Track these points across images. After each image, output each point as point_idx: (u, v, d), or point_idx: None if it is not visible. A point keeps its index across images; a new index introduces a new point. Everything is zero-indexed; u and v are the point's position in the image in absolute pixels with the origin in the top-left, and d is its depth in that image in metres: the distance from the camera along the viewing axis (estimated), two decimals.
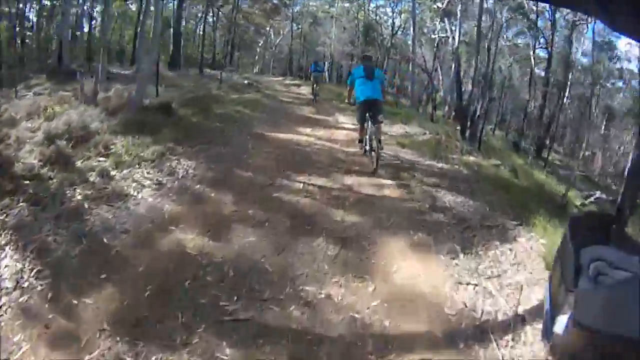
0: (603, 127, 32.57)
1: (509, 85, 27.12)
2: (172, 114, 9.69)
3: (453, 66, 25.04)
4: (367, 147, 7.03)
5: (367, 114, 6.73)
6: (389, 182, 6.74)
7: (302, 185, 6.22)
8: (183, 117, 9.69)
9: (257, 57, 40.31)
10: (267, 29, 37.86)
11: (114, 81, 13.63)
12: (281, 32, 39.11)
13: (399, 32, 33.88)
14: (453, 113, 24.13)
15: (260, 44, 39.09)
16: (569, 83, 26.35)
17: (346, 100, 7.96)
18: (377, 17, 33.88)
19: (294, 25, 35.09)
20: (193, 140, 7.80)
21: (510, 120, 30.39)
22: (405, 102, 25.78)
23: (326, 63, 32.75)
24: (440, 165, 8.40)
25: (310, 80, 18.56)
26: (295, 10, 34.59)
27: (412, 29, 25.80)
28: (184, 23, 25.95)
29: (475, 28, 30.36)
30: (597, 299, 0.78)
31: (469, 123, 14.60)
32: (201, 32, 29.35)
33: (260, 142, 8.59)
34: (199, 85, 16.47)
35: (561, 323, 0.82)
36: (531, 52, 25.08)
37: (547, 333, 0.90)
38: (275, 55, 42.96)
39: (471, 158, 9.77)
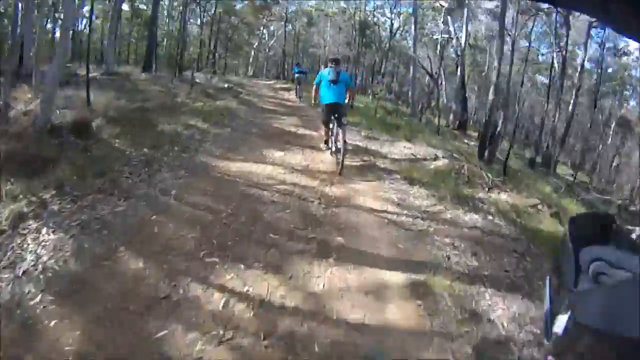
0: (614, 137, 29.70)
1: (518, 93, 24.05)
2: (89, 137, 6.61)
3: (458, 70, 22.03)
4: (333, 148, 6.80)
5: (332, 117, 6.63)
6: (395, 289, 3.52)
7: (222, 301, 3.07)
8: (102, 141, 6.57)
9: (250, 59, 37.34)
10: (261, 29, 34.97)
11: (76, 86, 10.62)
12: (275, 34, 36.23)
13: (398, 34, 31.03)
14: (457, 122, 21.24)
15: (254, 46, 36.11)
16: (578, 90, 23.46)
17: (312, 102, 7.49)
18: (375, 18, 30.85)
19: (288, 25, 32.16)
20: (87, 185, 4.70)
21: (517, 129, 27.27)
22: (405, 109, 22.73)
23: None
24: (467, 217, 5.41)
25: (294, 82, 17.38)
26: (290, 11, 31.72)
27: (413, 27, 22.70)
28: (168, 22, 22.80)
29: (483, 28, 27.48)
30: (597, 299, 0.73)
31: (488, 140, 11.36)
32: (188, 31, 26.35)
33: (197, 183, 5.47)
34: (166, 90, 13.38)
35: (561, 323, 0.77)
36: (552, 56, 22.01)
37: (547, 333, 0.83)
38: (269, 58, 40.02)
39: (502, 196, 6.73)
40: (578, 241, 0.89)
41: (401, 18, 29.26)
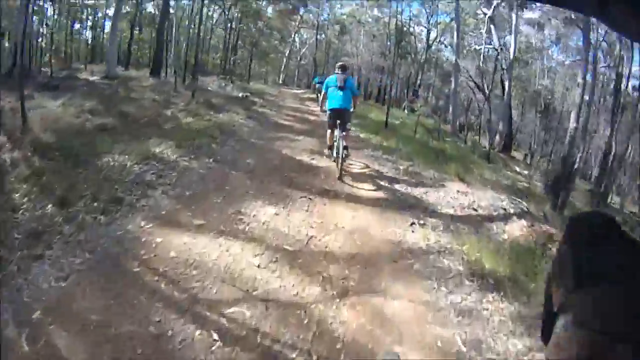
0: None
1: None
2: None
3: (505, 86, 18.68)
4: (335, 154, 6.36)
5: (337, 122, 6.21)
6: None
7: None
8: None
9: (282, 67, 34.79)
10: (292, 36, 32.37)
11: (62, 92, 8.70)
12: (307, 42, 33.58)
13: (435, 45, 27.85)
14: (502, 143, 17.94)
15: (286, 53, 33.50)
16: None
17: (320, 109, 6.93)
18: (411, 28, 27.72)
19: (320, 34, 29.39)
20: None
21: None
22: (444, 126, 19.54)
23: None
24: None
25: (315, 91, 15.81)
26: (323, 18, 28.93)
27: (455, 35, 19.49)
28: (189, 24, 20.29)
29: (524, 40, 23.88)
30: (597, 299, 0.67)
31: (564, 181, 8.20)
32: (211, 34, 24.01)
33: (77, 302, 2.63)
34: (162, 100, 10.78)
35: (561, 323, 0.71)
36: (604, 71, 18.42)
37: (547, 333, 0.76)
38: (301, 66, 37.35)
39: None
40: (578, 241, 0.75)
41: (439, 28, 26.10)
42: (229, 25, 19.00)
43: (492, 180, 8.51)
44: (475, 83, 16.30)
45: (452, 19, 20.42)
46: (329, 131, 6.68)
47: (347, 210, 4.90)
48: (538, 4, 20.19)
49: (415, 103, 18.87)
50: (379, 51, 26.27)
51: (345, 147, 6.03)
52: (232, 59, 16.61)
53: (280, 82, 30.78)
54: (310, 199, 5.11)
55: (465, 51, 25.93)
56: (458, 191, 6.43)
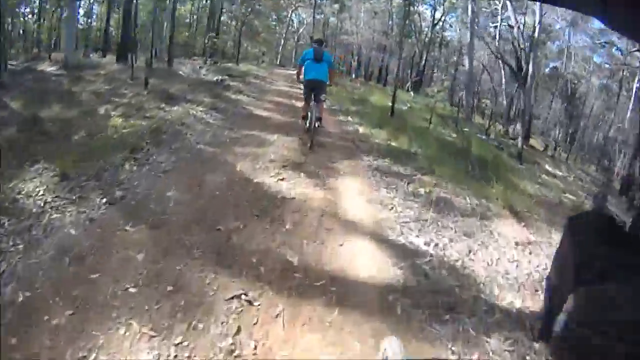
0: None
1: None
2: None
3: (530, 68, 15.70)
4: (308, 124, 6.07)
5: (312, 92, 6.03)
6: None
7: None
8: None
9: (280, 47, 31.59)
10: (288, 16, 29.19)
11: None
12: (304, 21, 30.28)
13: (443, 22, 24.76)
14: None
15: (283, 34, 30.30)
16: None
17: (297, 79, 6.61)
18: (416, 6, 24.49)
19: (318, 12, 26.14)
20: None
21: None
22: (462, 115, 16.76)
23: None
24: None
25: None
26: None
27: (470, 10, 16.37)
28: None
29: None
30: (597, 299, 0.64)
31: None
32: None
33: None
34: (112, 90, 8.05)
35: (561, 323, 0.65)
36: None
37: (547, 333, 0.70)
38: (299, 46, 33.99)
39: None
40: (578, 240, 0.72)
41: (445, 6, 22.87)
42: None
43: (540, 197, 5.80)
44: (507, 64, 13.26)
45: None
46: (304, 102, 6.45)
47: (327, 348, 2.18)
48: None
49: (434, 87, 15.89)
50: (380, 29, 23.11)
51: (318, 119, 5.98)
52: (208, 38, 13.45)
53: (278, 63, 27.77)
54: (246, 304, 2.39)
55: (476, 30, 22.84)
56: (516, 243, 3.69)
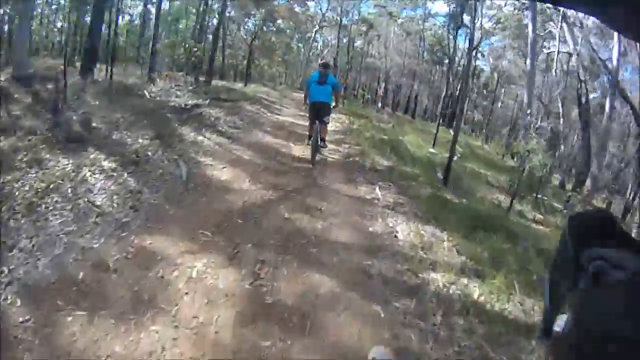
0: None
1: None
2: None
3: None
4: (312, 143, 5.61)
5: (316, 114, 5.74)
6: None
7: None
8: None
9: (301, 69, 27.90)
10: (312, 35, 25.54)
11: None
12: (329, 43, 26.55)
13: (477, 50, 20.49)
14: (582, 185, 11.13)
15: (308, 55, 26.66)
16: None
17: (304, 102, 6.30)
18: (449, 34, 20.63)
19: (344, 35, 22.34)
20: None
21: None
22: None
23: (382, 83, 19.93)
24: None
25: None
26: (347, 19, 21.90)
27: (530, 31, 12.26)
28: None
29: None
30: (597, 299, 0.60)
31: None
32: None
33: None
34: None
35: (561, 323, 0.63)
36: None
37: (547, 333, 0.67)
38: None
39: None
40: (578, 240, 0.66)
41: (482, 31, 18.79)
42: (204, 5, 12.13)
43: None
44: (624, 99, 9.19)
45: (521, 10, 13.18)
46: (309, 123, 5.97)
47: None
48: None
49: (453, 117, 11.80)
50: (412, 53, 19.20)
51: (322, 139, 5.69)
52: (193, 50, 9.51)
53: (298, 85, 24.07)
54: None
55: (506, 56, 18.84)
56: None
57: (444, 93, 20.66)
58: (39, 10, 12.51)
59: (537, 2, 13.57)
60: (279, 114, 9.66)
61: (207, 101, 8.01)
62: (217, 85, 12.15)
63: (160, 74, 9.61)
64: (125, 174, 3.88)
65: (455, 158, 8.11)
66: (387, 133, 9.48)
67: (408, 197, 4.40)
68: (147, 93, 7.87)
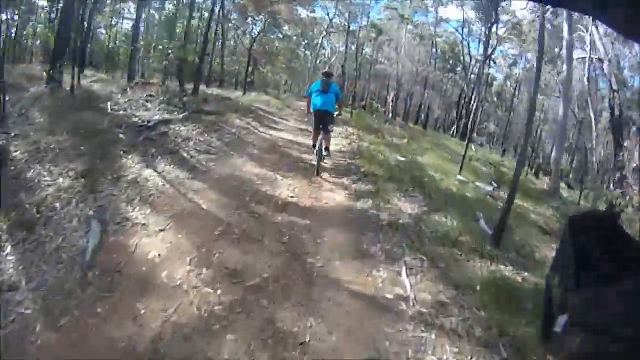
0: None
1: None
2: None
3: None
4: (317, 152, 5.40)
5: (320, 123, 5.60)
6: None
7: None
8: None
9: (307, 77, 26.10)
10: (319, 42, 23.77)
11: None
12: (337, 50, 24.75)
13: (490, 57, 18.52)
14: None
15: (316, 62, 24.83)
16: None
17: (307, 111, 6.20)
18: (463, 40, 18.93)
19: (352, 41, 20.51)
20: None
21: None
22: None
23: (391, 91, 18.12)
24: None
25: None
26: (356, 25, 20.11)
27: (564, 34, 10.36)
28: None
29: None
30: (597, 299, 0.61)
31: None
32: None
33: None
34: None
35: (561, 323, 0.64)
36: None
37: (547, 333, 0.70)
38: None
39: None
40: (578, 240, 0.66)
41: (497, 36, 16.90)
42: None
43: None
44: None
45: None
46: (313, 132, 5.89)
47: None
48: None
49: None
50: (425, 59, 17.30)
51: (326, 148, 5.56)
52: (166, 52, 7.70)
53: (304, 93, 22.24)
54: None
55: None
56: None
57: (457, 102, 18.92)
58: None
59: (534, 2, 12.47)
60: (274, 129, 7.88)
61: (183, 115, 6.25)
62: (209, 93, 10.42)
63: (135, 82, 7.87)
64: (8, 248, 2.16)
65: (491, 188, 6.24)
66: (403, 151, 7.64)
67: (453, 288, 2.55)
68: (109, 106, 6.14)
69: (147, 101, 6.64)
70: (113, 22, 12.19)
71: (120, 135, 4.88)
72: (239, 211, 3.33)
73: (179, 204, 3.34)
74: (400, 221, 3.50)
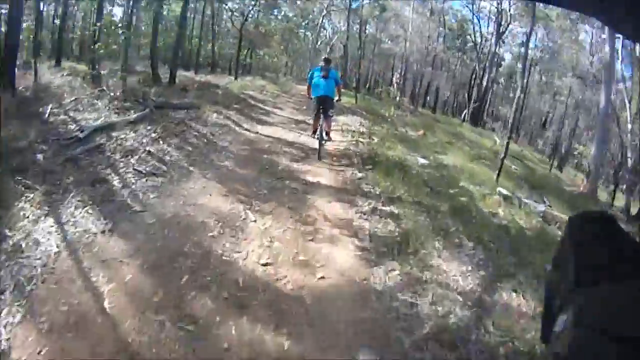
0: None
1: None
2: None
3: None
4: (318, 137, 5.52)
5: (320, 108, 5.54)
6: None
7: None
8: None
9: (309, 59, 24.09)
10: (320, 21, 21.74)
11: None
12: (338, 30, 22.69)
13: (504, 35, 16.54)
14: None
15: (317, 44, 22.79)
16: None
17: (307, 96, 5.99)
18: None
19: (355, 19, 18.45)
20: None
21: None
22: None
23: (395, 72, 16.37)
24: None
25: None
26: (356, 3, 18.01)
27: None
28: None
29: None
30: (597, 299, 0.55)
31: None
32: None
33: None
34: None
35: (561, 322, 0.57)
36: None
37: (547, 333, 0.61)
38: (332, 59, 25.92)
39: None
40: (578, 240, 0.61)
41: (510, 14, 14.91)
42: None
43: None
44: None
45: None
46: (314, 117, 5.77)
47: None
48: None
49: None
50: (436, 36, 15.30)
51: (327, 133, 5.55)
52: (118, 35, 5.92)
53: (304, 76, 20.38)
54: None
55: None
56: None
57: (468, 82, 17.13)
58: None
59: (534, 2, 11.14)
60: (263, 123, 6.25)
61: (138, 114, 4.60)
62: (195, 80, 8.76)
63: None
64: None
65: (543, 208, 4.59)
66: (422, 148, 6.02)
67: None
68: (48, 110, 4.47)
69: (98, 98, 4.97)
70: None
71: (38, 157, 3.27)
72: (160, 317, 1.74)
73: (69, 298, 1.77)
74: (453, 321, 1.90)
